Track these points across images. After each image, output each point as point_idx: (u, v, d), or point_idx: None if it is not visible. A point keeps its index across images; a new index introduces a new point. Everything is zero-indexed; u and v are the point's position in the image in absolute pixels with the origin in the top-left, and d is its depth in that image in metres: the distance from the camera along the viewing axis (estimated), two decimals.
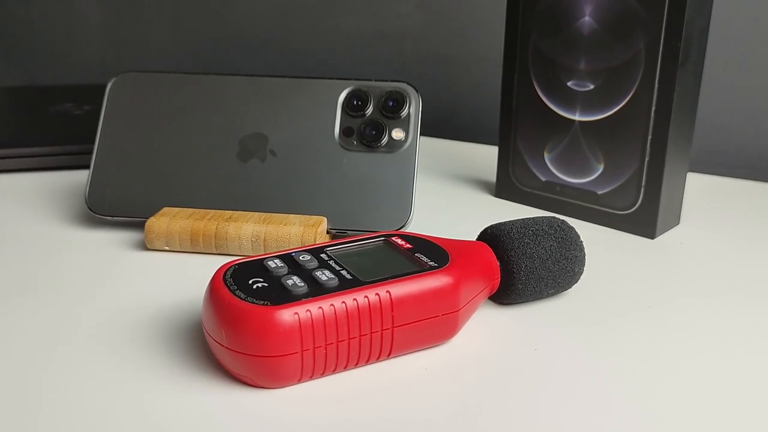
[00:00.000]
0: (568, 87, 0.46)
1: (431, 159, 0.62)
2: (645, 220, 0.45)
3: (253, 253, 0.41)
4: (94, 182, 0.45)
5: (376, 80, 0.45)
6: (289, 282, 0.29)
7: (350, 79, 0.45)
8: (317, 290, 0.29)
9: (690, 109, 0.44)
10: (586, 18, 0.44)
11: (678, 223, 0.47)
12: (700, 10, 0.41)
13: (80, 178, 0.56)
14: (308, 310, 0.28)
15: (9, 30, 1.02)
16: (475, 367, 0.30)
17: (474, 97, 0.74)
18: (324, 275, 0.30)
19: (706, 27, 0.43)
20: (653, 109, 0.43)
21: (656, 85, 0.42)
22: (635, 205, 0.45)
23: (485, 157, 0.63)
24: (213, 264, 0.40)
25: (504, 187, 0.52)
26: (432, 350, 0.32)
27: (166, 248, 0.42)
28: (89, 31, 0.97)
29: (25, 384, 0.29)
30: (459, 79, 0.75)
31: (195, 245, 0.41)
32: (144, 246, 0.43)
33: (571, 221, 0.48)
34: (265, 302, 0.28)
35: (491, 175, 0.57)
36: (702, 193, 0.54)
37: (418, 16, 0.75)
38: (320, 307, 0.28)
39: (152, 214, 0.43)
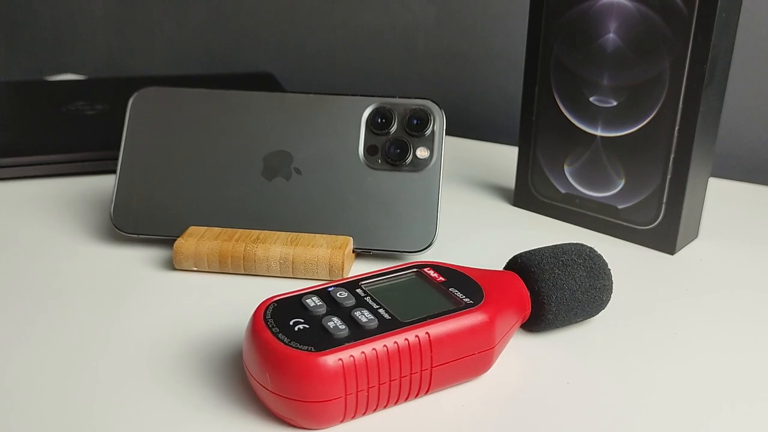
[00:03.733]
0: (591, 102, 0.46)
1: (445, 159, 0.62)
2: (665, 235, 0.45)
3: (281, 274, 0.41)
4: (118, 200, 0.45)
5: (399, 97, 0.45)
6: (330, 324, 0.30)
7: (374, 96, 0.45)
8: (358, 333, 0.29)
9: (713, 126, 0.44)
10: (611, 34, 0.44)
11: (696, 236, 0.48)
12: (726, 31, 0.41)
13: (101, 184, 0.56)
14: (351, 355, 0.28)
15: (12, 20, 1.01)
16: (510, 404, 0.31)
17: (486, 94, 0.74)
18: (363, 316, 0.30)
19: (731, 47, 0.43)
20: (677, 128, 0.43)
21: (680, 105, 0.42)
22: (656, 220, 0.45)
23: (500, 158, 0.63)
24: (242, 285, 0.41)
25: (522, 197, 0.52)
26: (466, 384, 0.32)
27: (195, 269, 0.42)
28: (93, 22, 0.96)
29: (45, 416, 0.30)
30: (471, 76, 0.75)
31: (223, 266, 0.41)
32: (171, 265, 0.43)
33: (590, 234, 0.48)
34: (309, 347, 0.28)
35: (507, 179, 0.58)
36: (716, 199, 0.54)
37: (431, 12, 0.74)
38: (363, 352, 0.29)
39: (178, 232, 0.43)
